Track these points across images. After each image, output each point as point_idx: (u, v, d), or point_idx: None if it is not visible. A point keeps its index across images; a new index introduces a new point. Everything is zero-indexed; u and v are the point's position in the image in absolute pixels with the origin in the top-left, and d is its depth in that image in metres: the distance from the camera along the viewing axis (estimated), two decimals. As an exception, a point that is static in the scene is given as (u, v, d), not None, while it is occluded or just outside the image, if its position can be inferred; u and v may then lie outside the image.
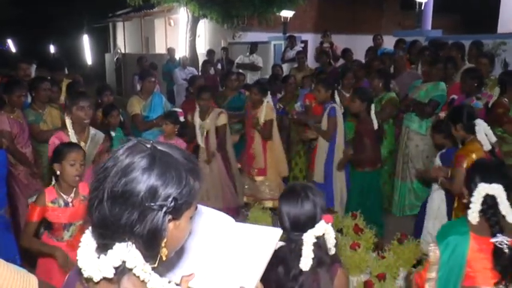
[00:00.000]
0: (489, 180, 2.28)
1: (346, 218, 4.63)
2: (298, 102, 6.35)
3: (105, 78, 20.25)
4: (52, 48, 24.25)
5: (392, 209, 5.96)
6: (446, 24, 15.32)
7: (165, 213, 1.08)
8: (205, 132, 5.38)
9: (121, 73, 17.91)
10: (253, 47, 10.91)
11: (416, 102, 5.62)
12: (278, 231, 1.43)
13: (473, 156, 3.51)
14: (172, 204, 1.08)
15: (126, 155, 1.10)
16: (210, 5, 11.35)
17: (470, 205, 2.30)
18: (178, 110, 5.22)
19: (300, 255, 1.97)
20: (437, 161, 4.53)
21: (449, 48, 6.76)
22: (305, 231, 1.98)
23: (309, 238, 1.96)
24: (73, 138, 3.77)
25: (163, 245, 1.11)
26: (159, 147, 1.13)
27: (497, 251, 2.22)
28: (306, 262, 1.95)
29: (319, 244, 1.99)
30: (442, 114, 5.56)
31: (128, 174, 1.06)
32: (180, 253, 1.31)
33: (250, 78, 10.09)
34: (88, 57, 23.20)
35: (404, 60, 7.02)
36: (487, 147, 3.63)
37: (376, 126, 4.92)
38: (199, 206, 1.30)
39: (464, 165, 3.50)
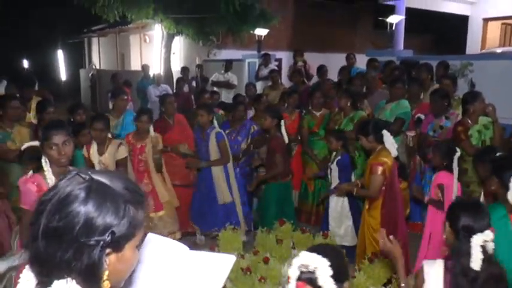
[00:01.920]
0: None
1: (317, 237, 4.66)
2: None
3: (79, 94, 20.04)
4: (25, 63, 23.88)
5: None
6: (418, 45, 15.71)
7: (103, 247, 1.06)
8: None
9: (96, 89, 17.76)
10: (228, 64, 10.94)
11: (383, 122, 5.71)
12: (232, 258, 1.43)
13: (388, 162, 4.14)
14: (110, 238, 1.06)
15: (64, 187, 1.08)
16: (185, 21, 11.40)
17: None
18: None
19: (469, 254, 2.26)
20: (334, 166, 5.12)
21: (419, 69, 6.91)
22: (474, 233, 2.30)
23: (477, 241, 2.27)
24: (51, 180, 3.03)
25: (105, 277, 1.09)
26: (96, 178, 1.10)
27: None
28: (476, 262, 2.25)
29: (485, 249, 2.28)
30: (411, 134, 5.69)
31: (64, 209, 1.05)
32: (129, 283, 1.29)
33: (225, 96, 10.11)
34: (62, 72, 22.92)
35: (376, 80, 7.14)
36: (394, 154, 4.22)
37: (286, 141, 5.38)
38: (150, 235, 1.29)
39: (379, 172, 4.13)
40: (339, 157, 5.11)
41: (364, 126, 4.38)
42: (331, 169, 5.18)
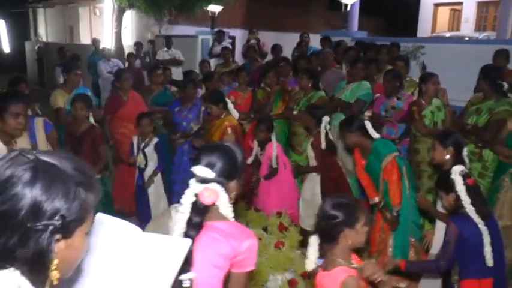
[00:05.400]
0: None
1: (271, 217, 4.65)
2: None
3: (25, 68, 19.15)
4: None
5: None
6: (372, 26, 15.92)
7: (52, 232, 0.97)
8: None
9: (43, 63, 17.01)
10: (169, 41, 10.61)
11: (343, 102, 5.75)
12: (187, 242, 1.36)
13: (235, 123, 4.97)
14: (60, 222, 0.97)
15: (4, 168, 0.97)
16: (137, -6, 11.01)
17: None
18: None
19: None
20: (150, 149, 5.16)
21: (378, 50, 6.96)
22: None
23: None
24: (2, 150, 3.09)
25: (53, 267, 1.00)
26: (43, 159, 1.01)
27: None
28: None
29: None
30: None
31: (6, 191, 0.94)
32: (77, 271, 1.19)
33: (175, 72, 9.81)
34: (5, 44, 21.73)
35: (331, 58, 7.14)
36: (236, 117, 5.04)
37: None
38: (100, 215, 1.21)
39: (230, 132, 4.87)
40: (157, 139, 5.17)
41: (214, 96, 5.09)
42: (145, 152, 5.07)
